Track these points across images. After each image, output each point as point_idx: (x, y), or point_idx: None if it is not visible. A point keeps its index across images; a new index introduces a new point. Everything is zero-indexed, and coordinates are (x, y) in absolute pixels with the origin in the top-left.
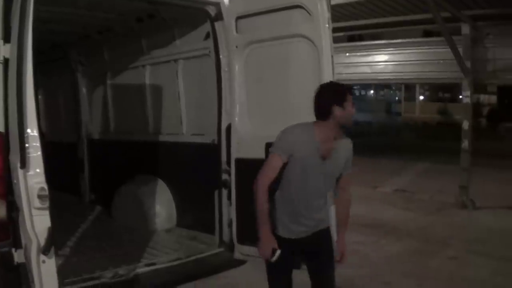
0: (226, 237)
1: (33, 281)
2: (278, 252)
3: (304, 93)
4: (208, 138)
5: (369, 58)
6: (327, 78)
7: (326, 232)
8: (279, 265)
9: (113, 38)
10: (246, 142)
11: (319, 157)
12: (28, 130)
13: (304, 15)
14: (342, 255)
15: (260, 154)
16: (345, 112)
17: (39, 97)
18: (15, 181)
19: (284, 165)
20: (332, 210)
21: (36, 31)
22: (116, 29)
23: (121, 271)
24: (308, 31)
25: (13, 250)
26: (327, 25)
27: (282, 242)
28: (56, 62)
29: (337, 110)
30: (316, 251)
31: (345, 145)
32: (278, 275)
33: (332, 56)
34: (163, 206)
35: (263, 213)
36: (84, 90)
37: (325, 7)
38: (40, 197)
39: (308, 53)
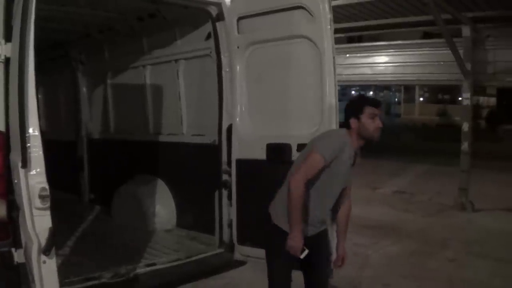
0: (226, 238)
1: (33, 281)
2: (306, 251)
3: (305, 94)
4: (209, 138)
5: (369, 60)
6: (329, 79)
7: (325, 233)
8: (287, 265)
9: (114, 37)
10: (247, 143)
11: (350, 164)
12: (30, 130)
13: (306, 16)
14: (343, 259)
15: (261, 155)
16: (361, 124)
17: (39, 95)
18: (15, 181)
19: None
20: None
21: (37, 29)
22: (117, 28)
23: (121, 271)
24: (310, 32)
25: (13, 249)
26: (329, 26)
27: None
28: (57, 60)
29: (352, 123)
30: (313, 250)
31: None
32: (285, 275)
33: (334, 57)
34: (163, 206)
35: (299, 211)
36: (84, 89)
37: (327, 8)
38: (41, 197)
39: (310, 54)
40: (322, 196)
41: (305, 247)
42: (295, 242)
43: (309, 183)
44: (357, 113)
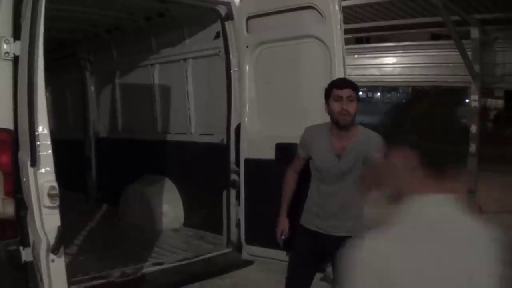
0: (234, 237)
1: (41, 280)
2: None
3: (315, 94)
4: (217, 138)
5: (378, 61)
6: None
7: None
8: (300, 262)
9: (122, 36)
10: (255, 143)
11: (334, 155)
12: (39, 128)
13: (316, 16)
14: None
15: (269, 154)
16: (329, 108)
17: (47, 94)
18: (24, 179)
19: (307, 163)
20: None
21: (46, 29)
22: (125, 27)
23: (129, 270)
24: (320, 32)
25: (21, 248)
26: (339, 26)
27: (304, 233)
28: (65, 60)
29: (325, 108)
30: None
31: (367, 140)
32: (298, 273)
33: (344, 58)
34: (170, 206)
35: (283, 197)
36: (92, 88)
37: (337, 8)
38: (50, 195)
39: (319, 54)
40: (318, 190)
41: (284, 231)
42: (277, 223)
43: (312, 176)
44: (327, 97)
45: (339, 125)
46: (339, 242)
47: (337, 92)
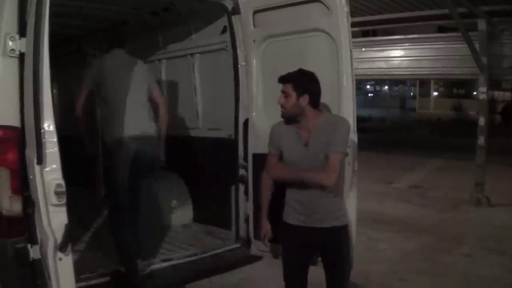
0: (242, 233)
1: (49, 278)
2: (267, 238)
3: (322, 88)
4: (225, 132)
5: (385, 53)
6: (346, 73)
7: (341, 229)
8: (290, 258)
9: (128, 32)
10: (263, 137)
11: (301, 144)
12: (45, 125)
13: (323, 9)
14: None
15: None
16: None
17: (53, 91)
18: (31, 177)
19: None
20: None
21: (51, 25)
22: (131, 23)
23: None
24: (327, 25)
25: (29, 246)
26: (345, 20)
27: (288, 229)
28: (70, 55)
29: None
30: (327, 248)
31: (332, 124)
32: (291, 270)
33: (351, 51)
34: (179, 201)
35: (263, 198)
36: None
37: (343, 1)
38: (57, 193)
39: (327, 47)
40: (294, 184)
41: (268, 234)
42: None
43: None
44: None
45: (282, 116)
46: (323, 233)
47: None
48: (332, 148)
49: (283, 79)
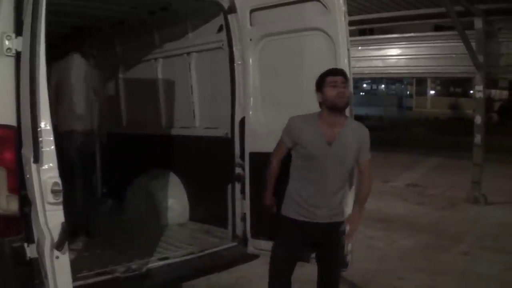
0: (239, 231)
1: (46, 277)
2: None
3: None
4: (222, 131)
5: (382, 52)
6: None
7: (337, 225)
8: (285, 253)
9: (125, 31)
10: (260, 136)
11: (324, 142)
12: (41, 124)
13: (320, 8)
14: (350, 232)
15: (274, 148)
16: (324, 95)
17: (50, 90)
18: (27, 176)
19: (290, 151)
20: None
21: (48, 24)
22: (128, 22)
23: (134, 265)
24: (324, 24)
25: (26, 244)
26: (343, 18)
27: (289, 224)
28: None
29: (319, 97)
30: (324, 243)
31: (356, 130)
32: (283, 264)
33: (348, 50)
34: (176, 200)
35: (268, 181)
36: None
37: (341, 0)
38: (53, 192)
39: (324, 46)
40: (303, 178)
41: (270, 206)
42: (262, 200)
43: (292, 166)
44: (321, 87)
45: (337, 107)
46: (324, 228)
47: (332, 78)
48: (366, 156)
49: (340, 71)
